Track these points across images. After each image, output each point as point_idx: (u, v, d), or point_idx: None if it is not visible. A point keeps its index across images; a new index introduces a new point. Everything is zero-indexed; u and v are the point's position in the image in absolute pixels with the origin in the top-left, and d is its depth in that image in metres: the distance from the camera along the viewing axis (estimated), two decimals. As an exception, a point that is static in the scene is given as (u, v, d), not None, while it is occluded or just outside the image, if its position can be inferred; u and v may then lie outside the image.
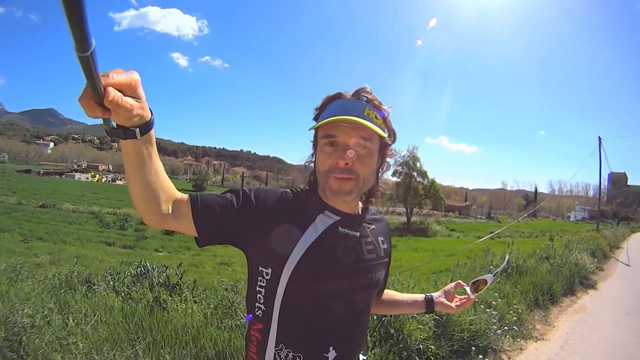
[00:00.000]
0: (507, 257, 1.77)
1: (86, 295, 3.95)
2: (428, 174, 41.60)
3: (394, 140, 1.23)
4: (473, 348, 4.27)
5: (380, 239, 1.28)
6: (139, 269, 4.70)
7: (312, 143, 1.22)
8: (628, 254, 17.26)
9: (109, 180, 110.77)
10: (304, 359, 1.08)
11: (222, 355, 3.21)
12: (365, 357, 1.25)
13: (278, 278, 1.09)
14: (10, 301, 3.34)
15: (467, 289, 1.52)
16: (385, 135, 1.12)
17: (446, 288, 1.54)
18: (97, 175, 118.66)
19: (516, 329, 5.09)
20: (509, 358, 4.51)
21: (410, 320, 3.96)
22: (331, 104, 1.14)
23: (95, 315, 3.34)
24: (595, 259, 11.77)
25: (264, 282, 1.12)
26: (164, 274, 4.60)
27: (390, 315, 3.78)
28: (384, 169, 1.25)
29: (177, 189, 1.03)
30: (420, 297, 1.55)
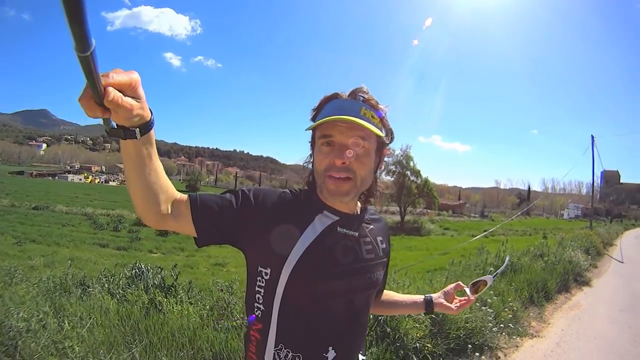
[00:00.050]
0: (507, 259, 1.77)
1: (81, 298, 3.92)
2: (421, 173, 41.70)
3: (391, 140, 1.22)
4: (469, 346, 4.30)
5: (379, 238, 1.29)
6: (134, 271, 4.67)
7: (309, 143, 1.22)
8: (621, 251, 17.40)
9: (102, 182, 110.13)
10: (303, 358, 1.08)
11: (219, 357, 3.20)
12: (364, 357, 1.25)
13: (277, 278, 1.09)
14: (5, 305, 3.30)
15: (467, 290, 1.52)
16: (382, 134, 1.13)
17: (446, 289, 1.55)
18: (90, 177, 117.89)
19: (512, 326, 5.12)
20: (505, 355, 4.54)
21: (407, 319, 3.97)
22: (328, 104, 1.14)
23: (90, 318, 3.32)
24: (589, 257, 11.87)
25: (263, 282, 1.12)
26: (159, 276, 4.58)
27: (387, 315, 3.79)
28: (382, 168, 1.25)
29: None
30: (419, 298, 1.56)
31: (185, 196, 1.05)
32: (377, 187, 1.25)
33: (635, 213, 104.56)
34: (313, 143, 1.19)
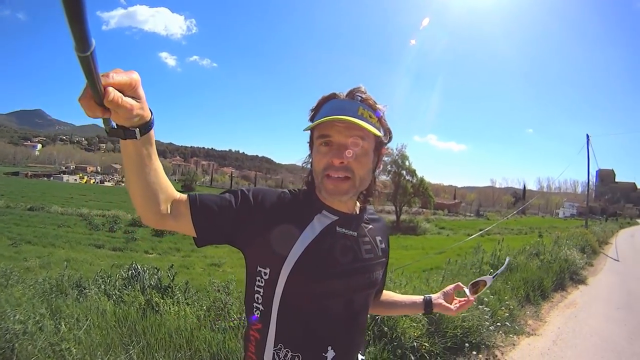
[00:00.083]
0: (507, 259, 1.77)
1: (78, 300, 3.90)
2: (417, 172, 41.75)
3: (389, 139, 1.23)
4: (466, 344, 4.32)
5: (378, 238, 1.29)
6: (130, 272, 4.65)
7: (308, 144, 1.22)
8: (617, 249, 17.49)
9: (97, 182, 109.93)
10: (302, 358, 1.08)
11: (217, 358, 3.20)
12: (363, 357, 1.25)
13: (276, 278, 1.09)
14: (1, 307, 3.27)
15: (466, 290, 1.51)
16: (380, 134, 1.13)
17: (445, 290, 1.55)
18: (86, 177, 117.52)
19: (508, 324, 5.13)
20: (502, 354, 4.55)
21: (404, 318, 3.97)
22: (326, 104, 1.14)
23: (87, 319, 3.30)
24: (585, 255, 11.92)
25: (262, 282, 1.12)
26: (156, 277, 4.57)
27: (386, 315, 3.80)
28: (380, 167, 1.25)
29: None
30: (419, 298, 1.56)
31: (184, 196, 1.05)
32: (375, 186, 1.25)
33: (630, 212, 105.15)
34: (311, 143, 1.19)
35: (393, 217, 41.24)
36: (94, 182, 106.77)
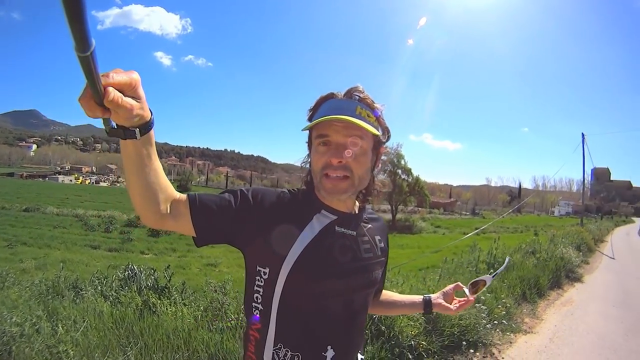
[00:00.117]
0: (507, 259, 1.77)
1: (74, 301, 3.88)
2: (412, 171, 41.63)
3: (388, 138, 1.23)
4: (464, 343, 4.33)
5: (378, 238, 1.29)
6: (127, 273, 4.64)
7: (307, 144, 1.22)
8: (612, 247, 17.58)
9: (93, 182, 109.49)
10: (302, 358, 1.08)
11: (215, 358, 3.19)
12: (363, 357, 1.26)
13: (276, 278, 1.09)
14: (-3, 309, 3.27)
15: (466, 290, 1.51)
16: (378, 133, 1.13)
17: (445, 290, 1.55)
18: (81, 178, 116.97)
19: (505, 322, 5.15)
20: (499, 351, 4.56)
21: (401, 317, 3.98)
22: (324, 104, 1.15)
23: (84, 321, 3.29)
24: (581, 253, 11.97)
25: (262, 282, 1.12)
26: (152, 277, 4.55)
27: (385, 314, 3.80)
28: (379, 166, 1.26)
29: None
30: (418, 298, 1.56)
31: (184, 196, 1.05)
32: (374, 185, 1.25)
33: (625, 210, 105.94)
34: (310, 143, 1.20)
35: (389, 216, 41.18)
36: (89, 183, 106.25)
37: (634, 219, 72.06)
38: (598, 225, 27.31)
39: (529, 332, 5.29)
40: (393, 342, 3.83)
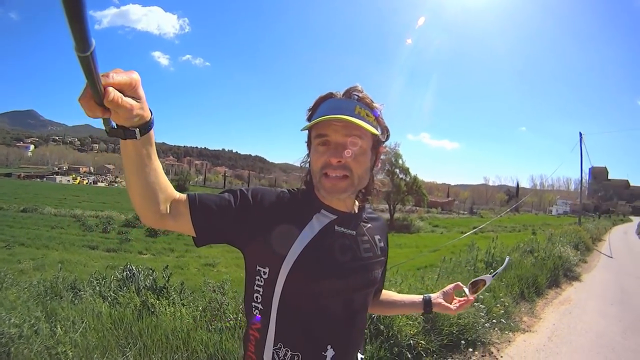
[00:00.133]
0: (507, 259, 1.76)
1: (73, 302, 3.87)
2: (410, 170, 41.66)
3: (387, 137, 1.23)
4: (462, 342, 4.35)
5: (377, 237, 1.29)
6: (125, 273, 4.63)
7: (306, 144, 1.22)
8: (610, 246, 17.65)
9: (90, 183, 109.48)
10: (302, 358, 1.08)
11: (214, 359, 3.19)
12: (363, 356, 1.26)
13: (276, 277, 1.09)
14: (-4, 311, 3.26)
15: (466, 289, 1.51)
16: (377, 132, 1.13)
17: (445, 289, 1.55)
18: (79, 178, 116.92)
19: (504, 321, 5.16)
20: (498, 350, 4.57)
21: (400, 316, 3.98)
22: (323, 103, 1.15)
23: (83, 322, 3.28)
24: (579, 252, 12.02)
25: (261, 282, 1.12)
26: (151, 277, 4.55)
27: (385, 314, 3.80)
28: (378, 166, 1.25)
29: None
30: (418, 298, 1.56)
31: (184, 196, 1.05)
32: (374, 185, 1.25)
33: (623, 209, 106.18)
34: (309, 143, 1.20)
35: (386, 216, 41.19)
36: (87, 183, 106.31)
37: (632, 217, 72.41)
38: (596, 224, 27.39)
39: (527, 331, 5.31)
40: (392, 342, 3.83)
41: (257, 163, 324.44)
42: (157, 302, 3.89)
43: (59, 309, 3.52)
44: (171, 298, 4.15)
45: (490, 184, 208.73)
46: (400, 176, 40.76)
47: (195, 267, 14.52)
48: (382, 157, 1.25)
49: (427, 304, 1.51)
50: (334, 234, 1.15)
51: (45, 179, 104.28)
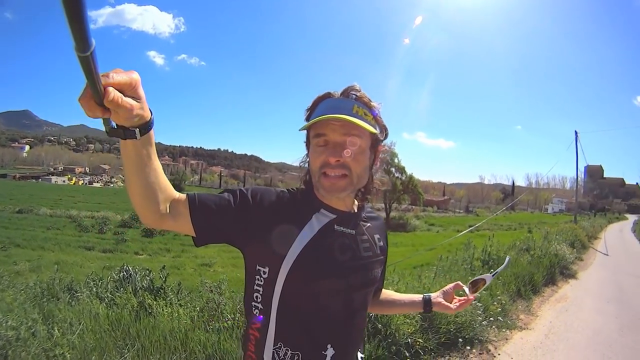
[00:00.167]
0: (507, 258, 1.76)
1: (70, 304, 3.86)
2: (406, 169, 41.71)
3: (385, 136, 1.23)
4: (460, 340, 4.36)
5: (377, 236, 1.29)
6: (122, 274, 4.62)
7: (305, 143, 1.23)
8: (606, 244, 17.73)
9: (86, 183, 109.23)
10: (302, 357, 1.08)
11: (212, 359, 3.19)
12: (363, 355, 1.26)
13: (275, 277, 1.09)
14: (-8, 313, 3.25)
15: (466, 289, 1.51)
16: (375, 131, 1.14)
17: (445, 289, 1.54)
18: (74, 178, 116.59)
19: (501, 319, 5.19)
20: (495, 348, 4.58)
21: (397, 315, 3.99)
22: (321, 103, 1.15)
23: (80, 324, 3.27)
24: (574, 250, 12.07)
25: (261, 281, 1.13)
26: (147, 278, 4.54)
27: (385, 314, 3.81)
28: (377, 165, 1.25)
29: None
30: (418, 297, 1.55)
31: (183, 196, 1.05)
32: (373, 184, 1.25)
33: (618, 207, 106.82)
34: (308, 143, 1.20)
35: (383, 215, 41.29)
36: (82, 183, 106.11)
37: (627, 215, 72.81)
38: (591, 222, 27.55)
39: (524, 329, 5.33)
40: (390, 340, 3.84)
41: (253, 163, 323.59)
42: (155, 302, 3.89)
43: (56, 311, 3.51)
44: (168, 299, 4.15)
45: (486, 182, 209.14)
46: (396, 175, 40.81)
47: (191, 267, 14.53)
48: (381, 155, 1.25)
49: (427, 303, 1.51)
50: (333, 234, 1.15)
51: (40, 179, 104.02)
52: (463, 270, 6.98)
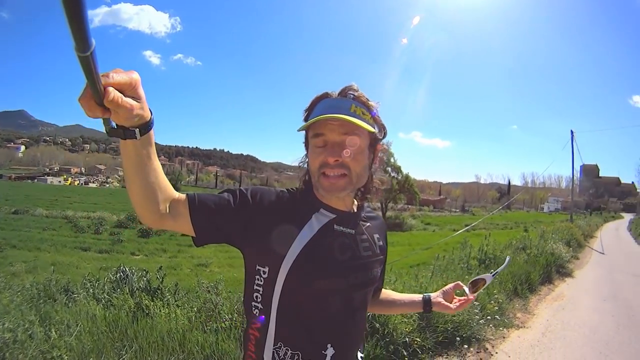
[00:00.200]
0: (507, 258, 1.76)
1: (67, 305, 3.84)
2: (402, 169, 41.70)
3: (384, 135, 1.23)
4: (457, 338, 4.37)
5: (376, 236, 1.29)
6: (118, 275, 4.61)
7: (303, 144, 1.23)
8: (602, 242, 17.82)
9: (82, 183, 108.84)
10: (302, 356, 1.09)
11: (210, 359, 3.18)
12: (363, 355, 1.26)
13: (275, 277, 1.09)
14: (-11, 315, 3.23)
15: (466, 289, 1.51)
16: (374, 130, 1.14)
17: (445, 288, 1.55)
18: (70, 179, 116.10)
19: (498, 318, 5.20)
20: (493, 347, 4.60)
21: (395, 314, 3.99)
22: (319, 103, 1.15)
23: (77, 325, 3.25)
24: (571, 248, 12.13)
25: (261, 281, 1.13)
26: (144, 279, 4.53)
27: (385, 313, 3.81)
28: (377, 164, 1.25)
29: None
30: (418, 297, 1.56)
31: (183, 196, 1.05)
32: (373, 183, 1.25)
33: (614, 206, 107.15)
34: (307, 143, 1.20)
35: (379, 214, 41.31)
36: (78, 184, 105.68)
37: (623, 214, 73.21)
38: (587, 221, 27.62)
39: (521, 327, 5.35)
40: (387, 339, 3.84)
41: (249, 162, 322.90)
42: (152, 303, 3.88)
43: (53, 313, 3.50)
44: (165, 299, 4.14)
45: (482, 182, 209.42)
46: (392, 174, 40.82)
47: (188, 267, 14.52)
48: (380, 154, 1.25)
49: (427, 303, 1.52)
50: (333, 233, 1.15)
51: (36, 180, 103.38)
52: (460, 269, 7.00)
